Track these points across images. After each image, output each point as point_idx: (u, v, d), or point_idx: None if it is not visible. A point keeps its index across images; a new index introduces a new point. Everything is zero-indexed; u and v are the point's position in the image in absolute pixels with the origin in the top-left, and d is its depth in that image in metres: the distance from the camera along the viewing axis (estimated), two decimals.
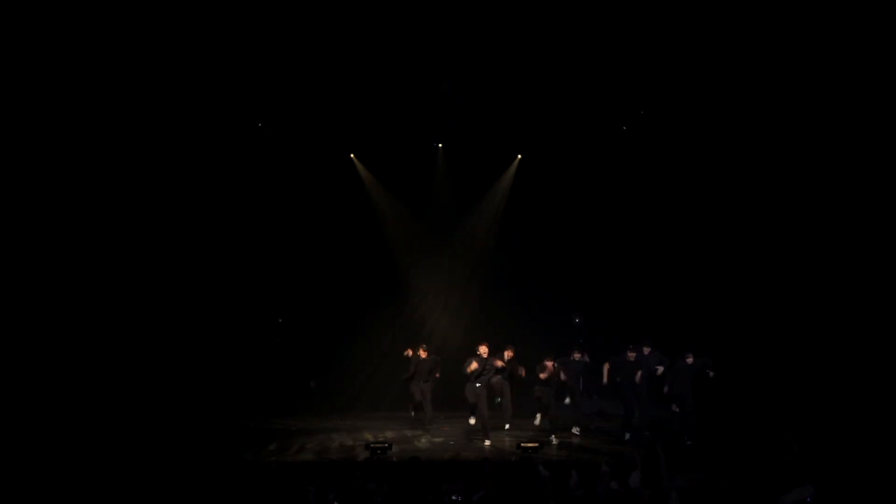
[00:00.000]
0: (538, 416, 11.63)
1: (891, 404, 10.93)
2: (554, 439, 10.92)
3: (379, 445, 9.31)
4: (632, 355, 11.26)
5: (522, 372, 11.52)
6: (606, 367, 11.58)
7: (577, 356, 11.63)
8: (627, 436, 11.09)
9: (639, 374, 11.27)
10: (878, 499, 5.39)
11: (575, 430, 11.56)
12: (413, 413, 12.20)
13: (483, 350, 11.12)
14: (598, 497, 5.60)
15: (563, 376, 11.54)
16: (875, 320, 11.70)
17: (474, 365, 10.99)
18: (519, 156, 15.17)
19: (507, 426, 11.79)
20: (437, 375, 12.09)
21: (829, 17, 10.65)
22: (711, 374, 11.30)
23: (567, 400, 11.90)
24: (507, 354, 11.41)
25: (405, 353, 12.09)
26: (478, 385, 11.06)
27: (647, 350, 11.49)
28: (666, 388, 11.47)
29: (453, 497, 5.64)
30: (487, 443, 10.83)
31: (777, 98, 12.14)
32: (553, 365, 11.26)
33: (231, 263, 13.91)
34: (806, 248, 12.59)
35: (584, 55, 11.91)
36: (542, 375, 11.26)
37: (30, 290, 11.40)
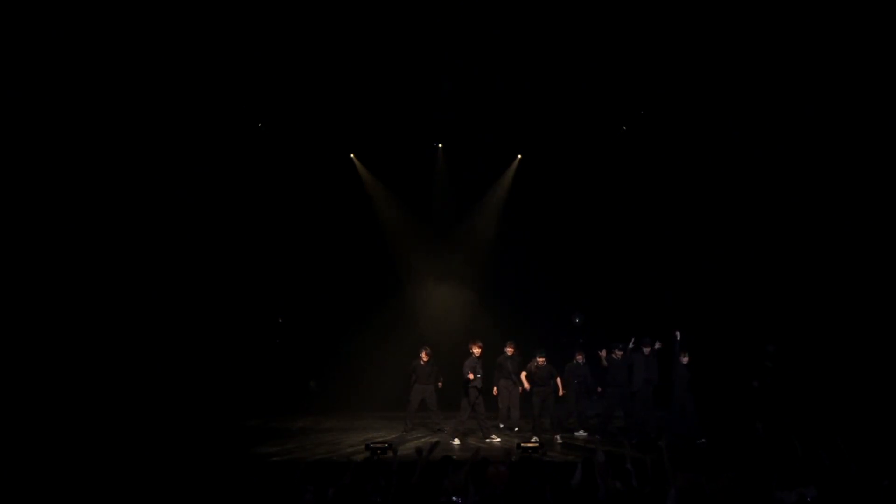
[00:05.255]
0: (534, 438, 10.93)
1: (891, 404, 10.95)
2: (559, 438, 11.02)
3: (379, 445, 9.30)
4: (618, 354, 11.28)
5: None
6: (603, 353, 11.52)
7: (579, 358, 11.68)
8: (593, 434, 11.18)
9: (634, 373, 11.33)
10: (878, 499, 5.39)
11: (582, 432, 11.62)
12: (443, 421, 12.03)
13: (476, 350, 11.19)
14: (598, 496, 5.59)
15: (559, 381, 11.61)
16: (875, 319, 11.71)
17: (471, 375, 11.08)
18: (519, 156, 15.18)
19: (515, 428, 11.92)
20: (441, 385, 12.04)
21: (828, 16, 10.65)
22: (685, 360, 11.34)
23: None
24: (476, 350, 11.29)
25: (422, 357, 11.90)
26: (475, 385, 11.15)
27: (646, 350, 11.50)
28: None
29: (453, 498, 5.62)
30: (497, 440, 10.90)
31: (776, 97, 12.15)
32: (536, 366, 11.39)
33: (231, 263, 13.90)
34: (806, 247, 12.60)
35: (584, 55, 11.92)
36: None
37: (32, 292, 11.40)
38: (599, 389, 11.73)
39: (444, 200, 15.23)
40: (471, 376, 11.02)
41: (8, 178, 11.04)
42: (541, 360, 11.41)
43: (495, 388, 11.91)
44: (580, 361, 11.67)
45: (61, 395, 11.39)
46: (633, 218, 14.55)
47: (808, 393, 11.89)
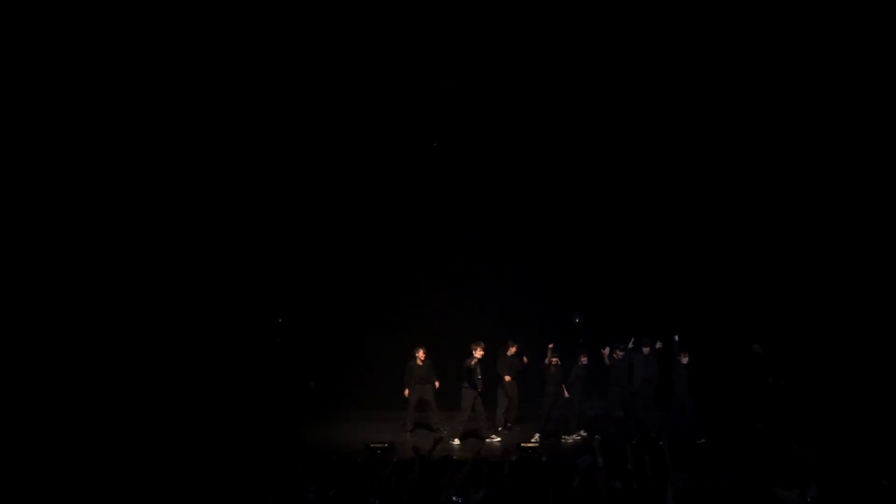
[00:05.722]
0: (536, 435, 11.13)
1: (891, 404, 10.95)
2: (569, 439, 11.13)
3: (379, 445, 9.30)
4: (620, 353, 11.28)
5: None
6: (605, 351, 11.53)
7: (583, 360, 11.68)
8: (596, 436, 11.19)
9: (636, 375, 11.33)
10: (878, 498, 5.39)
11: (582, 432, 11.64)
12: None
13: (478, 353, 11.18)
14: (598, 496, 5.59)
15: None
16: (875, 319, 11.72)
17: (479, 354, 11.16)
18: (518, 156, 15.15)
19: (508, 424, 11.88)
20: (437, 384, 11.99)
21: (828, 16, 10.66)
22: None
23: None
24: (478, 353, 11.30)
25: (418, 357, 11.88)
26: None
27: (646, 350, 11.51)
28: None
29: (454, 497, 5.62)
30: (497, 440, 10.90)
31: (776, 97, 12.16)
32: (556, 362, 11.36)
33: (231, 263, 13.90)
34: (806, 246, 12.60)
35: (584, 55, 11.92)
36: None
37: (34, 293, 11.41)
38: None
39: (444, 200, 15.20)
40: (479, 353, 11.05)
41: (9, 179, 11.05)
42: (555, 361, 11.41)
43: (508, 377, 11.82)
44: (583, 363, 11.66)
45: (62, 395, 11.39)
46: (633, 217, 14.53)
47: (808, 393, 11.88)
